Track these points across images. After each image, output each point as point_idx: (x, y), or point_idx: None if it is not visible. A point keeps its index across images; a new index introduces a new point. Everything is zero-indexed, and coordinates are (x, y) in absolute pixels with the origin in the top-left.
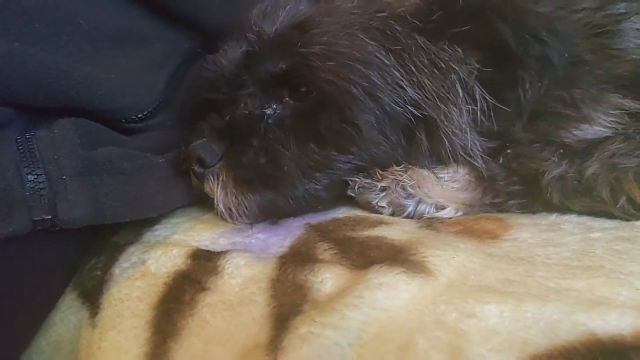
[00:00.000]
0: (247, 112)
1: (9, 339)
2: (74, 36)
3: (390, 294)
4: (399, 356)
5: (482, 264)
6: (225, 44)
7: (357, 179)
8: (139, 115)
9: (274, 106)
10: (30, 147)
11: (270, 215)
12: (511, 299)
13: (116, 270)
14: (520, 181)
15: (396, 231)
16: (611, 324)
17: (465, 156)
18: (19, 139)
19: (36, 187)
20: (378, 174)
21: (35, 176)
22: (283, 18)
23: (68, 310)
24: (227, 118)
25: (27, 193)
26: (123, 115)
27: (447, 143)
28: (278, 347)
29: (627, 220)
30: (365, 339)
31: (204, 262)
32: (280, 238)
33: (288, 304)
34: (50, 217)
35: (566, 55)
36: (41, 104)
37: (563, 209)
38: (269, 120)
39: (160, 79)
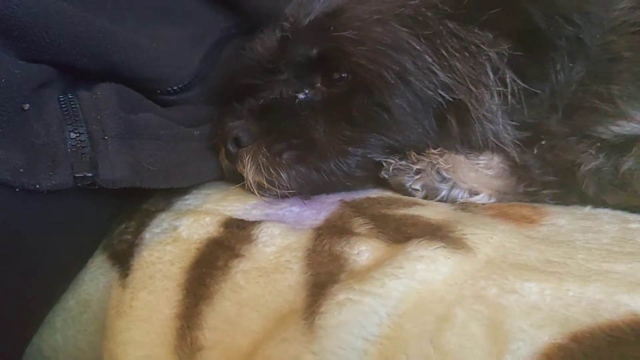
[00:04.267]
0: (280, 97)
1: (38, 294)
2: (119, 5)
3: (429, 266)
4: (438, 326)
5: (521, 244)
6: (261, 32)
7: (392, 161)
8: (174, 88)
9: (306, 91)
10: (72, 106)
11: (303, 189)
12: (552, 277)
13: (147, 235)
14: (555, 172)
15: (431, 211)
16: None
17: (496, 142)
18: (61, 97)
19: (78, 145)
20: (413, 157)
21: (78, 134)
22: (318, 8)
23: (97, 271)
24: (260, 102)
25: (69, 150)
26: (160, 85)
27: (477, 127)
28: (316, 312)
29: None
30: (403, 308)
31: (237, 231)
32: (314, 212)
33: (325, 272)
34: (91, 174)
35: (597, 36)
36: (85, 66)
37: (597, 202)
38: (302, 104)
39: (197, 54)
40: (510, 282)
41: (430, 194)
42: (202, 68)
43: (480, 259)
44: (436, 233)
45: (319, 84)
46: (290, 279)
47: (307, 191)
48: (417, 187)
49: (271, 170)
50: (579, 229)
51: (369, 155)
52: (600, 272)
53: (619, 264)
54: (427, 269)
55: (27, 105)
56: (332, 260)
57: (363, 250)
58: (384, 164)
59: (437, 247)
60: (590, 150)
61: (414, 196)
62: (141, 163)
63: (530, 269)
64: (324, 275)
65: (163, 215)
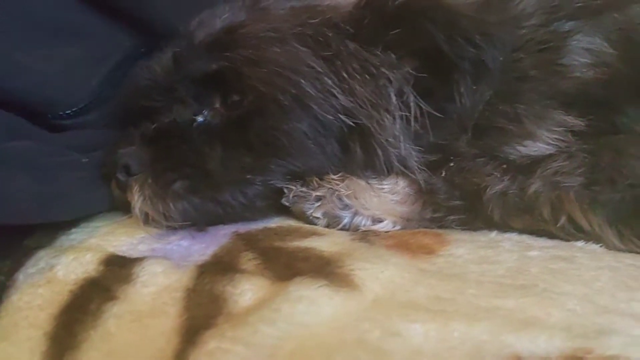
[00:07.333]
0: (177, 119)
1: None
2: (6, 23)
3: (310, 308)
4: None
5: (412, 280)
6: (160, 50)
7: (293, 187)
8: (67, 112)
9: (205, 113)
10: None
11: (197, 220)
12: (439, 317)
13: (20, 276)
14: (462, 196)
15: (327, 242)
16: (540, 346)
17: (401, 167)
18: None
19: None
20: (315, 183)
21: None
22: (217, 25)
23: None
24: (154, 127)
25: None
26: (50, 109)
27: (381, 153)
28: None
29: (567, 240)
30: (279, 356)
31: (117, 269)
32: (203, 246)
33: (201, 316)
34: None
35: (501, 59)
36: None
37: (504, 227)
38: (199, 128)
39: (96, 75)
40: (395, 323)
41: (332, 222)
42: (103, 89)
43: (367, 298)
44: (324, 269)
45: (217, 105)
46: (165, 324)
47: (203, 223)
48: (318, 215)
49: (158, 201)
50: (475, 260)
51: (270, 182)
52: (489, 309)
53: (509, 299)
54: (307, 311)
55: None
56: (211, 301)
57: (246, 290)
58: (285, 190)
59: (320, 286)
60: (496, 173)
61: (315, 224)
62: (11, 197)
63: (417, 307)
64: (199, 319)
65: (42, 253)
